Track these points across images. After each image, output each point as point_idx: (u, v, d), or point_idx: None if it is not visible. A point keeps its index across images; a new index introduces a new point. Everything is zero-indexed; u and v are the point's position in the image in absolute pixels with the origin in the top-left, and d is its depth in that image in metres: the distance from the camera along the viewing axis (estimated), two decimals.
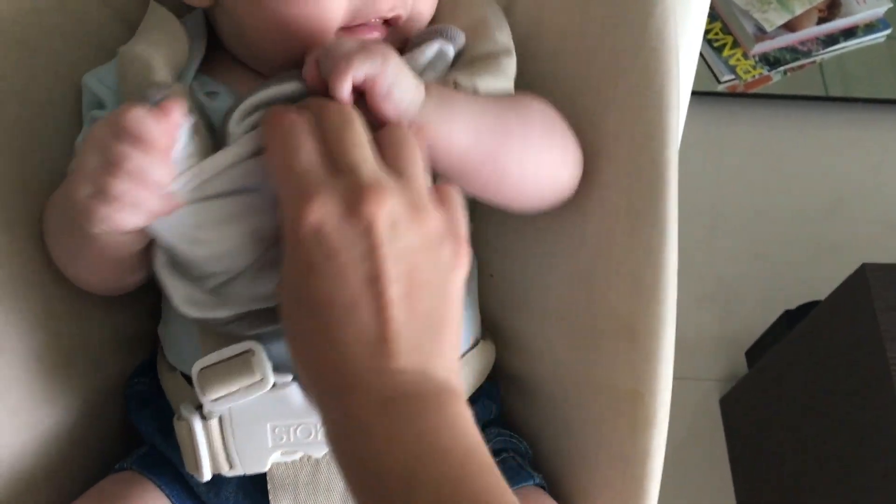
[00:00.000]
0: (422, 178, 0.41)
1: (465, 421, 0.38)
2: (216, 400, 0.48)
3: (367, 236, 0.38)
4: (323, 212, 0.38)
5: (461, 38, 0.50)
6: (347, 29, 0.49)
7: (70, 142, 0.53)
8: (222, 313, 0.47)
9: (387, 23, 0.50)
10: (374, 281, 0.38)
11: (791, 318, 1.29)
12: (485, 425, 0.57)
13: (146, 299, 0.58)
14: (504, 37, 0.52)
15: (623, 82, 0.51)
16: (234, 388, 0.47)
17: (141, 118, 0.39)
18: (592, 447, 0.53)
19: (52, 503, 0.54)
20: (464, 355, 0.56)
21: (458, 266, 0.40)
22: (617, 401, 0.52)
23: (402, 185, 0.40)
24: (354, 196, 0.38)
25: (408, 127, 0.43)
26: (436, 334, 0.39)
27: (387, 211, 0.38)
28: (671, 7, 0.50)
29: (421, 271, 0.39)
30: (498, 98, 0.49)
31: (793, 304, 1.31)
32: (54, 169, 0.52)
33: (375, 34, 0.49)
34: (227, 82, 0.52)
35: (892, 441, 0.95)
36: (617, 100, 0.51)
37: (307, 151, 0.40)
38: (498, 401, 0.60)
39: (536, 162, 0.50)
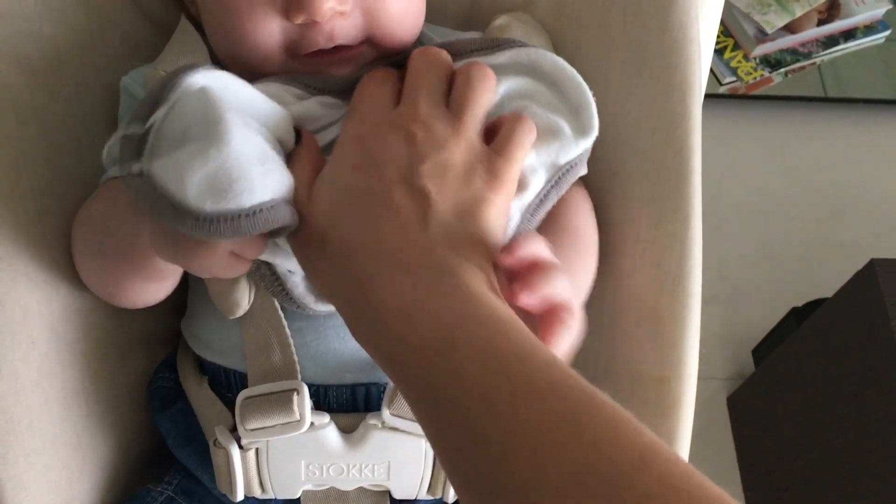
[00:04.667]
0: (476, 116, 0.44)
1: (497, 296, 0.39)
2: (253, 430, 0.49)
3: (409, 143, 0.42)
4: (369, 125, 0.44)
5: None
6: (310, 55, 0.48)
7: (100, 139, 0.53)
8: None
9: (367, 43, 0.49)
10: (410, 178, 0.41)
11: (798, 316, 1.30)
12: None
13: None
14: None
15: (646, 73, 0.52)
16: (271, 423, 0.48)
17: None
18: None
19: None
20: None
21: (490, 194, 0.42)
22: (643, 386, 0.52)
23: (454, 117, 0.44)
24: (405, 119, 0.43)
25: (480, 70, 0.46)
26: (468, 228, 0.41)
27: (432, 133, 0.42)
28: None
29: (454, 180, 0.42)
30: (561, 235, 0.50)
31: (799, 302, 1.32)
32: (85, 164, 0.53)
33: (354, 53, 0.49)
34: None
35: None
36: (639, 90, 0.52)
37: (383, 93, 0.46)
38: None
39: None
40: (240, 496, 0.51)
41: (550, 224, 0.49)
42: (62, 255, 0.51)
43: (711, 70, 1.63)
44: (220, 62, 0.52)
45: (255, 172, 0.37)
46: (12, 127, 0.50)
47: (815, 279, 1.32)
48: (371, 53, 0.50)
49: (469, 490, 0.34)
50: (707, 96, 1.81)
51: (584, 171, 0.49)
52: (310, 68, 0.49)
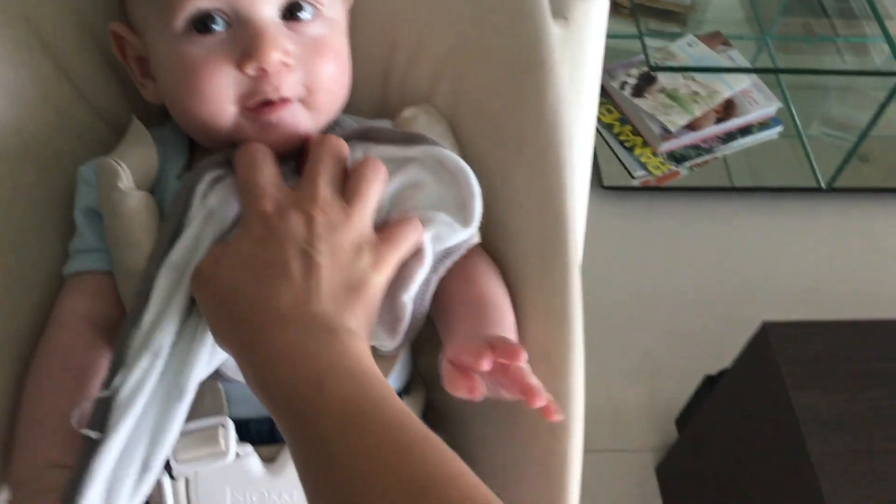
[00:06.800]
0: (368, 205, 0.54)
1: (368, 356, 0.49)
2: (183, 462, 0.55)
3: (308, 224, 0.51)
4: (274, 205, 0.52)
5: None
6: (256, 107, 0.56)
7: (61, 225, 0.61)
8: None
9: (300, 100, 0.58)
10: (306, 253, 0.50)
11: (712, 383, 1.39)
12: None
13: None
14: None
15: (528, 149, 0.61)
16: (200, 454, 0.55)
17: None
18: (517, 459, 0.60)
19: None
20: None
21: (374, 275, 0.53)
22: (538, 415, 0.59)
23: (349, 206, 0.53)
24: (306, 201, 0.52)
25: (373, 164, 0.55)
26: (351, 299, 0.51)
27: (328, 217, 0.52)
28: (563, 89, 0.62)
29: (343, 258, 0.51)
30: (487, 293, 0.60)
31: (713, 371, 1.41)
32: (48, 250, 0.61)
33: (289, 109, 0.57)
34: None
35: (804, 485, 1.03)
36: (523, 163, 0.61)
37: (269, 170, 0.54)
38: None
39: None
40: None
41: (473, 304, 0.58)
42: (22, 336, 0.59)
43: (624, 165, 1.78)
44: (167, 148, 0.61)
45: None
46: None
47: (725, 350, 1.41)
48: (305, 116, 0.58)
49: None
50: (622, 189, 1.95)
51: (459, 255, 0.59)
52: (257, 124, 0.56)
